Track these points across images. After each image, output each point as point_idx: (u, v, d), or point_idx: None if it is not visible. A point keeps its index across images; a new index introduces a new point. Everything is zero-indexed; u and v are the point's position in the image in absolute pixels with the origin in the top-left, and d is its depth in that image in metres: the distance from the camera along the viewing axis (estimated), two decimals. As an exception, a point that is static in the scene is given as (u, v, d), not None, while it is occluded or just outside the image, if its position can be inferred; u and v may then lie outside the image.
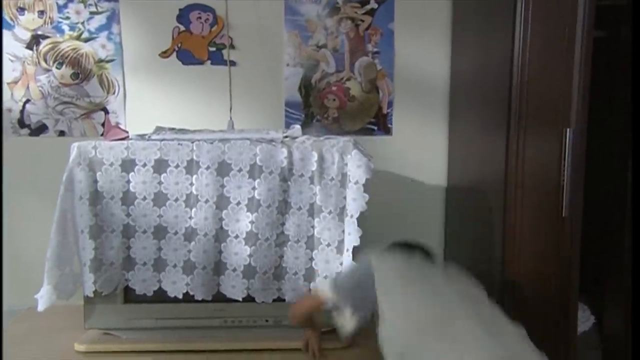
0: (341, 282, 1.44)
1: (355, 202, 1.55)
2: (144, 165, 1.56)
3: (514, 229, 1.68)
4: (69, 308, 1.78)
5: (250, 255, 1.59)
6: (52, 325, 1.80)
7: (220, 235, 1.59)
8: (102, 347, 1.61)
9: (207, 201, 1.57)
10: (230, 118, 2.09)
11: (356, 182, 1.56)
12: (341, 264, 1.60)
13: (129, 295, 1.62)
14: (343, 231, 1.59)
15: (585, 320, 1.94)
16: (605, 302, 1.98)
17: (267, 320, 1.67)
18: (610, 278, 1.95)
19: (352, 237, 1.55)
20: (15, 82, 2.05)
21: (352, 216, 1.56)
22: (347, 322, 1.38)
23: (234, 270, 1.60)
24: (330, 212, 1.58)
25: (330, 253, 1.61)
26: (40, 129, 2.07)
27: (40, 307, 1.51)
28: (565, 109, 1.60)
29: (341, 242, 1.60)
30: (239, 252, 1.59)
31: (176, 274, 1.60)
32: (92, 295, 1.55)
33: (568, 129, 1.59)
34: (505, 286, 1.71)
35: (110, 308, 1.62)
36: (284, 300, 1.63)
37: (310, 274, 1.63)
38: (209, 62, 2.10)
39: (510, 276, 1.70)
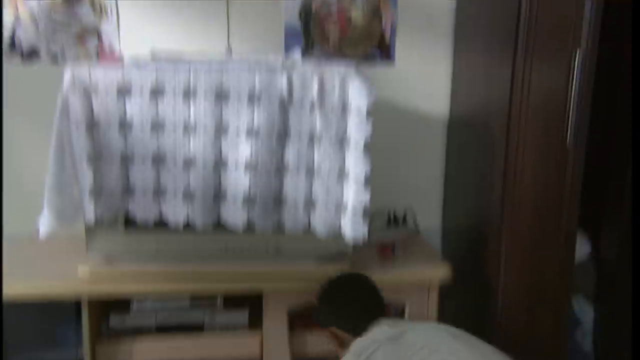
0: None
1: (358, 130, 1.53)
2: (140, 91, 1.52)
3: (515, 160, 1.67)
4: (71, 235, 1.80)
5: (250, 184, 1.58)
6: (55, 251, 1.82)
7: (219, 163, 1.58)
8: (105, 273, 1.64)
9: (205, 129, 1.54)
10: (228, 44, 2.03)
11: (358, 110, 1.52)
12: (342, 192, 1.59)
13: (130, 224, 1.63)
14: (344, 160, 1.58)
15: (582, 247, 1.96)
16: (602, 230, 2.00)
17: (267, 249, 1.69)
18: (609, 206, 1.97)
19: (359, 167, 1.54)
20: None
21: (356, 145, 1.54)
22: None
23: (234, 199, 1.60)
24: (330, 141, 1.56)
25: (331, 182, 1.60)
26: (31, 55, 2.01)
27: (42, 234, 1.52)
28: (576, 29, 1.54)
29: (342, 171, 1.59)
30: (238, 181, 1.59)
31: (176, 202, 1.60)
32: (93, 222, 1.56)
33: (577, 50, 1.54)
34: (504, 218, 1.72)
35: (111, 235, 1.63)
36: (284, 229, 1.65)
37: (310, 204, 1.63)
38: (206, -16, 2.01)
39: (510, 208, 1.71)
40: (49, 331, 1.72)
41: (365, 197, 1.56)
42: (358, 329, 1.47)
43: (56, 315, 1.69)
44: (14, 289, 1.59)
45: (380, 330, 1.44)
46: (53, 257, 1.79)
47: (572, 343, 1.98)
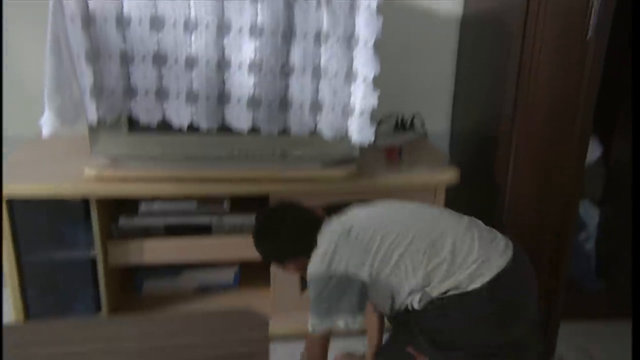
0: (316, 310, 1.35)
1: (368, 28, 1.45)
2: (137, -17, 1.44)
3: (531, 57, 1.59)
4: (76, 137, 1.79)
5: (254, 85, 1.53)
6: (61, 152, 1.82)
7: (222, 63, 1.52)
8: (111, 174, 1.64)
9: (207, 26, 1.47)
10: None
11: (368, 6, 1.44)
12: (349, 94, 1.55)
13: (134, 125, 1.60)
14: (352, 60, 1.52)
15: (593, 150, 1.94)
16: (615, 133, 1.97)
17: (273, 152, 1.67)
18: (623, 109, 1.91)
19: (368, 67, 1.48)
20: None
21: (365, 44, 1.47)
22: (351, 326, 1.35)
23: (239, 100, 1.56)
24: (338, 40, 1.49)
25: (338, 83, 1.55)
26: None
27: (45, 134, 1.50)
28: None
29: (349, 71, 1.53)
30: (242, 82, 1.54)
31: (180, 103, 1.56)
32: (95, 123, 1.53)
33: None
34: (516, 118, 1.68)
35: (115, 137, 1.61)
36: (290, 132, 1.62)
37: (316, 106, 1.59)
38: None
39: (523, 107, 1.66)
40: (61, 232, 1.75)
41: (374, 99, 1.52)
42: (309, 248, 1.39)
43: (67, 216, 1.72)
44: (22, 188, 1.60)
45: (329, 232, 1.38)
46: (59, 158, 1.79)
47: (575, 244, 2.01)
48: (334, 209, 1.46)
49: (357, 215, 1.42)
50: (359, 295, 1.33)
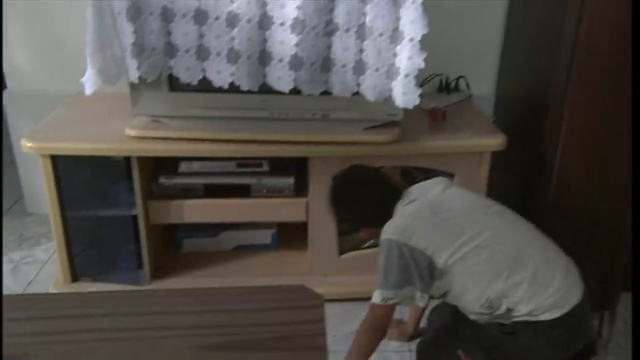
0: (389, 281, 1.29)
1: (415, -16, 1.38)
2: (178, -63, 1.39)
3: (592, 13, 1.48)
4: (119, 95, 1.79)
5: (296, 45, 1.49)
6: (102, 110, 1.83)
7: (264, 21, 1.48)
8: (152, 133, 1.64)
9: (249, -18, 1.42)
10: None
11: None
12: (394, 54, 1.49)
13: (174, 84, 1.59)
14: (398, 19, 1.45)
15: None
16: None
17: (314, 114, 1.63)
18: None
19: (415, 26, 1.42)
20: None
21: (414, 2, 1.40)
22: (419, 302, 1.31)
23: (280, 60, 1.52)
24: (385, -3, 1.42)
25: (383, 43, 1.49)
26: None
27: (88, 91, 1.50)
28: None
29: (395, 30, 1.47)
30: (285, 41, 1.49)
31: (220, 62, 1.53)
32: (136, 81, 1.53)
33: None
34: (569, 85, 1.59)
35: (156, 96, 1.60)
36: (331, 93, 1.58)
37: (360, 67, 1.54)
38: None
39: (578, 73, 1.56)
40: (103, 189, 1.78)
41: (420, 60, 1.46)
42: (386, 218, 1.34)
43: (109, 174, 1.74)
44: (65, 145, 1.62)
45: (413, 207, 1.33)
46: (101, 116, 1.80)
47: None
48: (408, 175, 1.42)
49: (443, 198, 1.35)
50: (429, 277, 1.27)
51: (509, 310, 1.23)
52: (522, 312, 1.23)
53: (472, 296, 1.26)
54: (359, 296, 1.41)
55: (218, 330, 0.60)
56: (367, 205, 1.39)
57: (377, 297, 1.30)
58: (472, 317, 1.30)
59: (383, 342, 1.39)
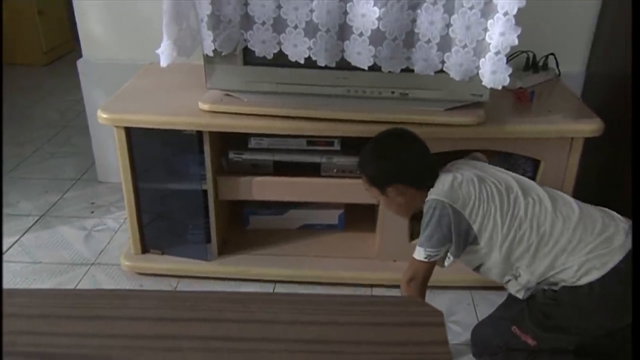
0: (433, 238, 1.33)
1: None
2: None
3: None
4: (191, 67, 1.76)
5: (379, 18, 1.40)
6: (174, 82, 1.81)
7: (345, -8, 1.39)
8: (224, 108, 1.60)
9: (332, -50, 1.33)
10: None
11: None
12: (485, 30, 1.37)
13: (249, 57, 1.53)
14: (492, -9, 1.33)
15: None
16: None
17: (393, 92, 1.54)
18: None
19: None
20: None
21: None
22: (446, 262, 1.39)
23: (361, 34, 1.43)
24: (481, -34, 1.30)
25: (473, 17, 1.37)
26: None
27: (163, 63, 1.48)
28: None
29: (488, 3, 1.35)
30: (366, 14, 1.40)
31: (297, 36, 1.46)
32: (211, 54, 1.48)
33: None
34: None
35: (230, 69, 1.56)
36: (413, 71, 1.48)
37: (445, 43, 1.43)
38: None
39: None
40: (174, 163, 1.77)
41: (514, 36, 1.34)
42: (423, 181, 1.38)
43: (180, 147, 1.72)
44: (138, 117, 1.61)
45: (461, 172, 1.37)
46: (174, 89, 1.78)
47: None
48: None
49: (487, 169, 1.41)
50: (464, 242, 1.34)
51: (541, 279, 1.29)
52: (553, 280, 1.28)
53: (498, 267, 1.33)
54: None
55: (327, 347, 0.54)
56: (407, 162, 1.40)
57: (420, 254, 1.35)
58: (510, 290, 1.35)
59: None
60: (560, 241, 1.27)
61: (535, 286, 1.32)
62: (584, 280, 1.25)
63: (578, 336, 1.33)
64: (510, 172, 1.42)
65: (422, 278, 1.37)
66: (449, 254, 1.36)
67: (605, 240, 1.26)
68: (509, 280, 1.35)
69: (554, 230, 1.28)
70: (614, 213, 1.33)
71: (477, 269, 1.41)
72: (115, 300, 0.62)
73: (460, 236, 1.32)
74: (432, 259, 1.35)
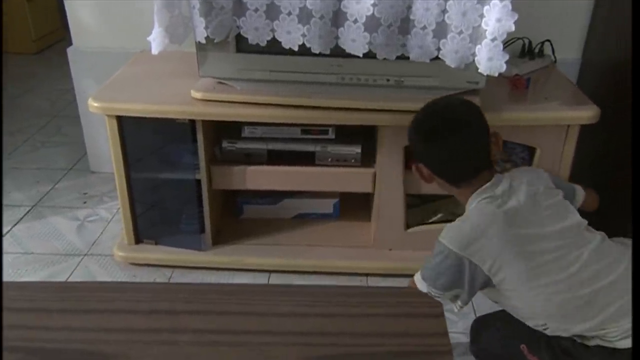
0: (438, 282, 1.18)
1: None
2: None
3: None
4: (183, 54, 1.74)
5: (374, 5, 1.37)
6: (166, 70, 1.79)
7: (340, -22, 1.37)
8: (217, 96, 1.58)
9: None
10: None
11: None
12: (481, 16, 1.35)
13: (242, 45, 1.51)
14: (489, -24, 1.31)
15: None
16: None
17: (388, 80, 1.53)
18: None
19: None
20: None
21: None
22: (455, 307, 1.22)
23: (355, 21, 1.41)
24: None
25: (469, 3, 1.36)
26: None
27: (154, 50, 1.45)
28: None
29: (484, -10, 1.34)
30: (361, 0, 1.38)
31: (291, 23, 1.44)
32: (204, 41, 1.46)
33: None
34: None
35: (223, 56, 1.53)
36: (408, 58, 1.46)
37: (441, 29, 1.41)
38: None
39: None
40: (167, 152, 1.75)
41: (510, 22, 1.32)
42: (456, 178, 1.25)
43: (173, 136, 1.70)
44: (130, 106, 1.58)
45: (487, 206, 1.18)
46: (166, 77, 1.75)
47: None
48: None
49: (523, 208, 1.18)
50: (480, 288, 1.19)
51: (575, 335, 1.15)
52: (593, 333, 1.13)
53: (527, 317, 1.18)
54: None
55: (326, 340, 0.53)
56: (446, 155, 1.25)
57: (422, 286, 1.20)
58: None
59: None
60: (610, 307, 1.11)
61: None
62: (623, 344, 1.09)
63: None
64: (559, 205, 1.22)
65: None
66: (458, 302, 1.20)
67: None
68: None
69: (602, 291, 1.11)
70: None
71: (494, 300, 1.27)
72: (108, 293, 0.61)
73: (474, 287, 1.17)
74: (432, 296, 1.18)
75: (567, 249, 1.15)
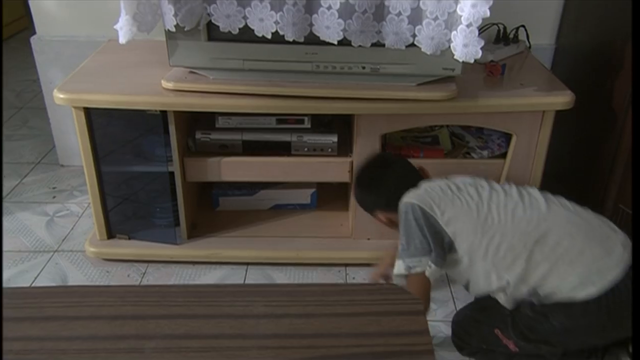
0: (411, 247, 1.28)
1: None
2: None
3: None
4: (153, 43, 1.68)
5: (348, -10, 1.34)
6: (135, 59, 1.73)
7: (313, -37, 1.34)
8: (189, 86, 1.53)
9: None
10: None
11: None
12: (456, 1, 1.33)
13: (213, 33, 1.46)
14: (464, -39, 1.29)
15: None
16: None
17: (363, 67, 1.50)
18: None
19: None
20: None
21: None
22: (430, 274, 1.28)
23: (329, 8, 1.38)
24: None
25: (444, -11, 1.34)
26: None
27: (122, 39, 1.40)
28: None
29: (459, -25, 1.31)
30: (335, -14, 1.35)
31: (263, 10, 1.40)
32: (173, 29, 1.41)
33: None
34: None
35: (194, 45, 1.48)
36: (384, 45, 1.44)
37: (416, 15, 1.39)
38: None
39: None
40: (137, 145, 1.70)
41: (485, 7, 1.31)
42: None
43: (145, 128, 1.65)
44: (99, 98, 1.53)
45: (433, 183, 1.37)
46: (135, 67, 1.69)
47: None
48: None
49: (463, 181, 1.38)
50: (441, 247, 1.27)
51: (533, 290, 1.22)
52: (546, 291, 1.20)
53: (496, 281, 1.25)
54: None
55: (303, 342, 0.50)
56: (384, 191, 1.42)
57: (400, 268, 1.28)
58: (500, 300, 1.28)
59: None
60: (557, 249, 1.19)
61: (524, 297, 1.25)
62: (580, 295, 1.16)
63: (561, 348, 1.27)
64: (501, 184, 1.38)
65: (420, 289, 1.26)
66: (430, 262, 1.26)
67: (605, 252, 1.18)
68: (498, 293, 1.28)
69: (550, 236, 1.20)
70: (611, 223, 1.27)
71: (467, 287, 1.35)
72: (68, 299, 0.57)
73: (437, 240, 1.26)
74: (413, 271, 1.26)
75: (514, 193, 1.30)
